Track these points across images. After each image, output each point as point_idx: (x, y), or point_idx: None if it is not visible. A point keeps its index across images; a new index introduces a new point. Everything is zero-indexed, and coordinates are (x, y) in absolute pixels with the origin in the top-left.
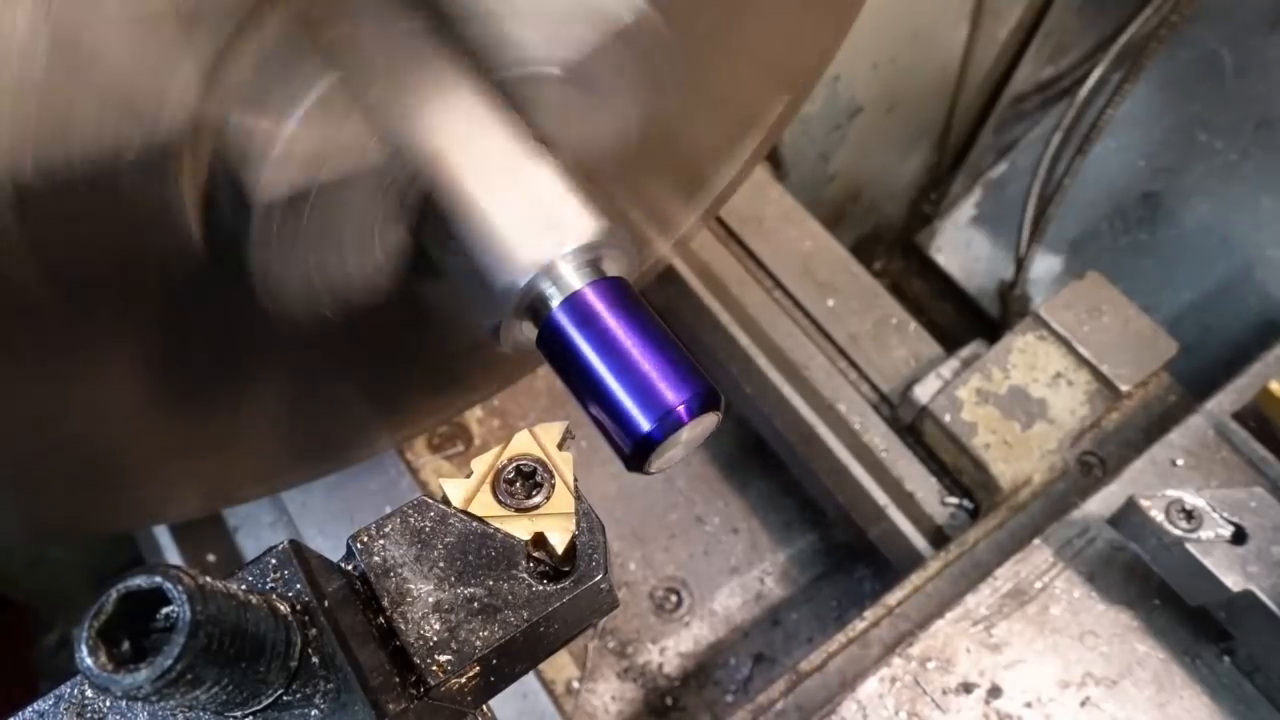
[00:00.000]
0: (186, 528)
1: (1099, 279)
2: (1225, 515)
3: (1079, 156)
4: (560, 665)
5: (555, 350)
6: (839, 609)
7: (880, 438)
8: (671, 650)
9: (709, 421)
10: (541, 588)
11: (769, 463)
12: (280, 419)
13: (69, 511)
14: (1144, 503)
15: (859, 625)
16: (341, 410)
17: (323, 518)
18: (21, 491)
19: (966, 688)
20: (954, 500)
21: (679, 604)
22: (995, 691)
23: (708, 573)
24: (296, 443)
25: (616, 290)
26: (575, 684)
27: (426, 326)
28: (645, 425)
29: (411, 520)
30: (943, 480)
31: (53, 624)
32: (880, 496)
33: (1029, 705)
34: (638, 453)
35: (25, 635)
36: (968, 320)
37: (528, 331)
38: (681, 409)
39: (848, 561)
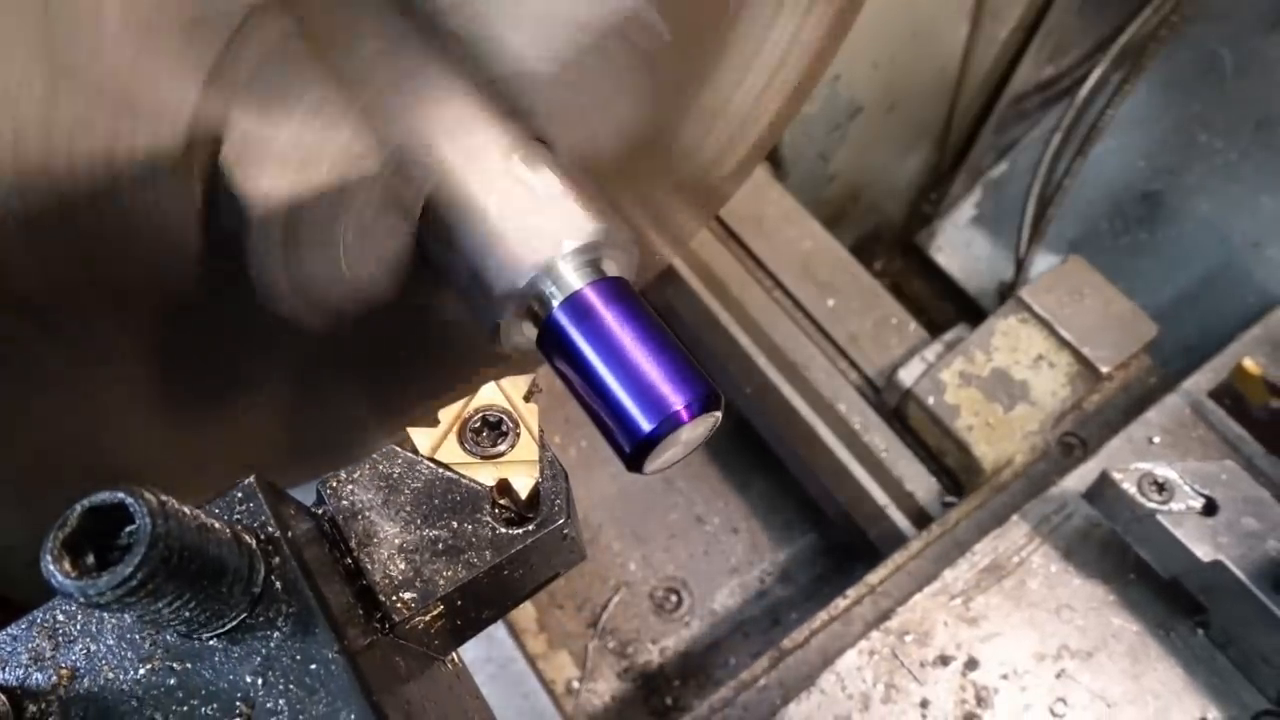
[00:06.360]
0: None
1: (1081, 263)
2: (1196, 488)
3: (1079, 156)
4: (560, 665)
5: (555, 350)
6: None
7: (880, 438)
8: (671, 650)
9: (709, 422)
10: (505, 531)
11: (769, 463)
12: (281, 420)
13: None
14: (1116, 475)
15: (841, 603)
16: (342, 411)
17: None
18: (22, 491)
19: (944, 660)
20: (953, 500)
21: (679, 604)
22: (972, 664)
23: (708, 573)
24: (297, 443)
25: (616, 290)
26: (575, 684)
27: (428, 328)
28: (646, 426)
29: (380, 467)
30: (939, 477)
31: None
32: (880, 496)
33: (1005, 677)
34: (638, 453)
35: None
36: (968, 320)
37: (528, 332)
38: (682, 409)
39: (848, 561)
